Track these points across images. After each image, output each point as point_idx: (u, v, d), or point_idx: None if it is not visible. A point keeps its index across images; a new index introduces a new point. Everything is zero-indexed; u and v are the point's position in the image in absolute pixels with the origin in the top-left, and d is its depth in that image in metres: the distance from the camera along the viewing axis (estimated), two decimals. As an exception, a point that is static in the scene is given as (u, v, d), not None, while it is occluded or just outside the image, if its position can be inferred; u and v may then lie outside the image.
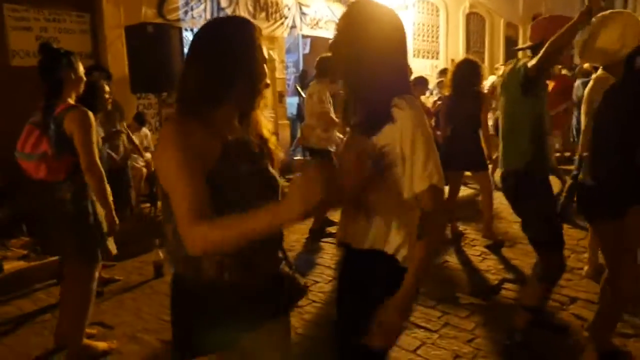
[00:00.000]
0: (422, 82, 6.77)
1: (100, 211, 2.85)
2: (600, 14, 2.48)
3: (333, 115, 4.90)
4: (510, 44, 15.49)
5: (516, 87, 2.70)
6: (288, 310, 1.60)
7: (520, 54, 7.11)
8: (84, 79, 2.89)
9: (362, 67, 1.46)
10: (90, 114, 2.71)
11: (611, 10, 2.51)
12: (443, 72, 9.47)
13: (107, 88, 4.04)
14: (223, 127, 1.37)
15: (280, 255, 1.53)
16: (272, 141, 1.55)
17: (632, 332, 3.00)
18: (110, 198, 2.82)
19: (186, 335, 1.43)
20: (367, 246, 1.51)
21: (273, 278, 1.48)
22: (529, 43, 2.86)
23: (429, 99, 8.09)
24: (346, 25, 1.51)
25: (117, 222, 2.87)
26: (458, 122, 4.65)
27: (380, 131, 1.44)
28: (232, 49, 1.36)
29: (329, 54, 5.16)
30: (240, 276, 1.37)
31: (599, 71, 2.51)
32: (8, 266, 4.18)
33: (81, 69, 2.85)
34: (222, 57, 1.35)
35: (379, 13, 1.48)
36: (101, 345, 2.99)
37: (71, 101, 2.76)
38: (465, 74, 4.54)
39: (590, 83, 2.48)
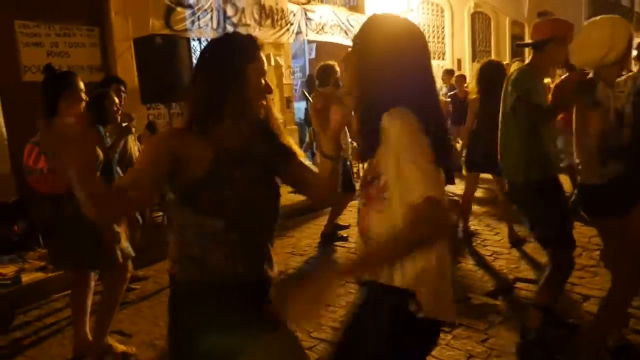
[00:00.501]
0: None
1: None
2: (590, 20, 2.58)
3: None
4: (516, 41, 15.47)
5: (508, 104, 2.79)
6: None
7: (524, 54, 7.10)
8: (84, 97, 2.98)
9: (363, 84, 1.44)
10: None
11: (601, 16, 2.57)
12: (449, 72, 9.49)
13: (116, 100, 4.09)
14: (222, 138, 1.49)
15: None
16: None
17: (645, 328, 3.00)
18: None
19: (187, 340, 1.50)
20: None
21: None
22: (530, 40, 2.89)
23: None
24: (357, 39, 1.49)
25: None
26: (482, 123, 4.68)
27: (375, 153, 1.40)
28: (224, 67, 1.48)
29: (330, 62, 5.27)
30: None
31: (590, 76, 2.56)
32: (26, 278, 4.27)
33: (81, 88, 2.95)
34: (214, 76, 1.47)
35: (391, 27, 1.45)
36: (121, 347, 3.10)
37: (70, 120, 2.84)
38: (491, 75, 4.57)
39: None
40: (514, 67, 7.01)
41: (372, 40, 1.43)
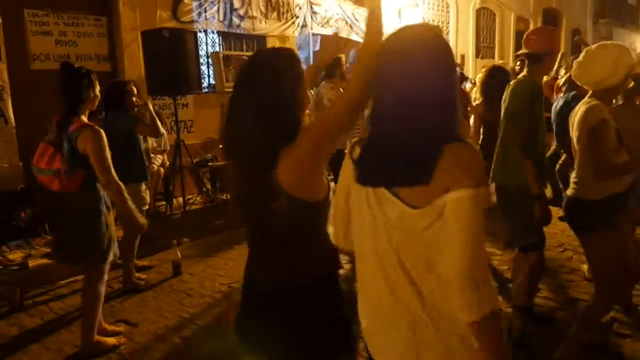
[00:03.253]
0: None
1: (111, 221, 3.09)
2: (599, 43, 2.68)
3: None
4: (521, 38, 15.45)
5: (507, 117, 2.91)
6: None
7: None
8: (99, 96, 3.09)
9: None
10: (102, 132, 2.91)
11: (612, 42, 2.70)
12: None
13: (134, 89, 4.25)
14: None
15: None
16: None
17: (629, 332, 3.14)
18: (132, 205, 3.03)
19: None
20: None
21: None
22: (525, 50, 2.98)
23: None
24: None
25: (144, 222, 3.17)
26: (486, 130, 4.75)
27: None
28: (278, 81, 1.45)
29: (338, 55, 5.35)
30: None
31: (587, 97, 2.66)
32: (33, 263, 4.40)
33: (98, 87, 3.05)
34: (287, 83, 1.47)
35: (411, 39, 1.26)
36: (110, 340, 3.21)
37: (84, 119, 2.95)
38: (495, 82, 4.61)
39: (583, 109, 2.61)
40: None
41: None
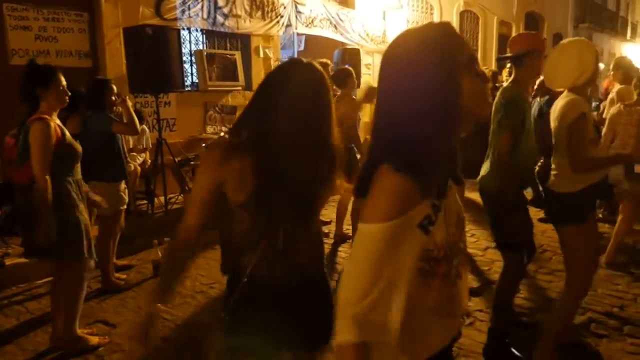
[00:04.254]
0: None
1: (84, 215, 3.04)
2: (559, 44, 2.71)
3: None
4: (504, 41, 15.64)
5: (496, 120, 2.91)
6: None
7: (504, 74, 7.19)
8: (67, 92, 3.03)
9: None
10: (52, 125, 2.87)
11: (569, 40, 2.74)
12: None
13: (114, 88, 4.20)
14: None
15: None
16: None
17: (606, 332, 3.19)
18: (47, 211, 2.85)
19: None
20: None
21: None
22: (509, 54, 2.98)
23: None
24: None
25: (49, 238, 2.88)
26: (473, 132, 4.75)
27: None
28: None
29: (348, 68, 5.40)
30: None
31: (565, 92, 2.70)
32: (9, 262, 4.31)
33: (63, 83, 2.99)
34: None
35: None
36: (94, 339, 3.17)
37: (47, 115, 2.91)
38: None
39: (562, 103, 2.64)
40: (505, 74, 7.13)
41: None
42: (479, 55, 14.55)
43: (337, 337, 1.09)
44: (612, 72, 6.03)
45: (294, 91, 1.52)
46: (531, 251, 3.15)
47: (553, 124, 2.71)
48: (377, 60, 9.69)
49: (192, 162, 6.33)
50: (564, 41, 2.74)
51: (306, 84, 1.54)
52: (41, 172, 2.81)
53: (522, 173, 2.87)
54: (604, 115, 5.69)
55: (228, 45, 8.22)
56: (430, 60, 1.10)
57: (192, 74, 7.75)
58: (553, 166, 2.77)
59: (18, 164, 2.91)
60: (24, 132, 2.86)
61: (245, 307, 1.59)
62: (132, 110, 4.34)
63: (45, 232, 2.83)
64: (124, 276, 4.24)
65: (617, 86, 5.72)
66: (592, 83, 2.77)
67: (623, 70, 5.60)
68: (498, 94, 3.01)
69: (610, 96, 5.72)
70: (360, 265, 1.07)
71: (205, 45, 7.95)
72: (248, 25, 8.08)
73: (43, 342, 3.21)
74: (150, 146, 6.30)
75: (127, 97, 4.64)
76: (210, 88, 7.54)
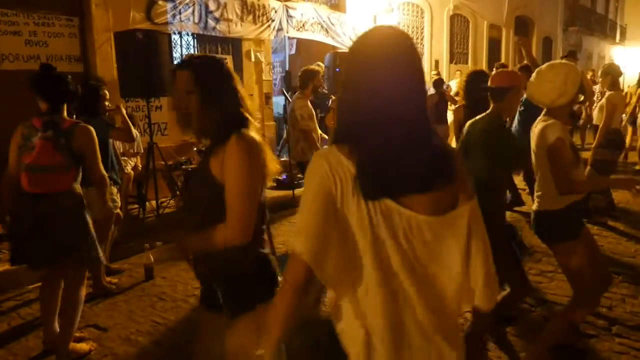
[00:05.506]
0: None
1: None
2: (547, 63, 2.76)
3: (315, 133, 5.10)
4: (494, 45, 15.77)
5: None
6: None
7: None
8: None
9: None
10: (93, 130, 2.96)
11: (559, 61, 2.81)
12: None
13: (107, 93, 4.22)
14: None
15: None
16: None
17: (595, 332, 3.22)
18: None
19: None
20: None
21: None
22: (490, 85, 2.95)
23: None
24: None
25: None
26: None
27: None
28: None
29: (314, 67, 5.38)
30: None
31: (542, 115, 2.75)
32: (0, 268, 4.29)
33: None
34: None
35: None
36: (83, 346, 3.15)
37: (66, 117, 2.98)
38: (478, 87, 4.54)
39: (540, 127, 2.70)
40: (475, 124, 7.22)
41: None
42: (470, 59, 14.66)
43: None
44: (600, 79, 6.13)
45: None
46: (522, 251, 3.13)
47: (533, 145, 2.75)
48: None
49: (183, 166, 6.33)
50: (555, 61, 2.81)
51: None
52: (105, 175, 3.05)
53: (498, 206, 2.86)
54: (594, 122, 5.78)
55: (219, 49, 8.23)
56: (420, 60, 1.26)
57: (183, 78, 7.74)
58: (536, 190, 2.81)
59: (66, 170, 2.87)
60: (65, 137, 2.84)
61: None
62: (127, 117, 4.36)
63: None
64: (116, 280, 4.23)
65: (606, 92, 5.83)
66: (569, 108, 2.83)
67: (611, 76, 5.70)
68: (470, 123, 2.95)
69: (600, 103, 5.82)
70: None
71: (196, 49, 7.96)
72: (239, 29, 8.10)
73: (34, 347, 3.19)
74: (142, 150, 6.29)
75: (122, 103, 4.65)
76: (201, 92, 7.53)
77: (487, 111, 2.92)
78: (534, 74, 2.78)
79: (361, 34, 1.24)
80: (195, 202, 1.83)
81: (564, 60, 2.84)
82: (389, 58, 1.16)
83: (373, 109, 1.16)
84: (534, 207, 2.81)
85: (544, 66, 2.75)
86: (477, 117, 2.95)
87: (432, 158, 1.16)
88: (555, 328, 2.82)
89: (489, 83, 2.96)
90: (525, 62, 6.12)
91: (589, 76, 10.93)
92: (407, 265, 1.19)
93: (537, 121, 2.76)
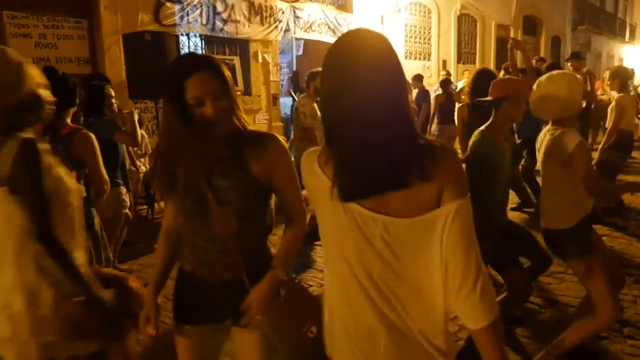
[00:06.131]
0: (418, 78, 9.21)
1: (98, 221, 3.08)
2: (546, 75, 2.72)
3: (318, 132, 5.12)
4: (502, 44, 15.70)
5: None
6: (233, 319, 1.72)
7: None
8: (78, 100, 3.10)
9: None
10: (93, 135, 2.94)
11: (557, 72, 2.76)
12: (418, 77, 9.55)
13: (112, 92, 4.23)
14: None
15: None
16: None
17: (605, 334, 3.19)
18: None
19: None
20: None
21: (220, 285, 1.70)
22: (489, 97, 2.88)
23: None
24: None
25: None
26: (470, 134, 4.70)
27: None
28: None
29: (317, 69, 5.39)
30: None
31: (549, 126, 2.72)
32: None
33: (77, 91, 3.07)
34: None
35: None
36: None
37: (70, 123, 2.98)
38: (484, 86, 4.49)
39: (550, 138, 2.68)
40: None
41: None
42: (478, 59, 14.60)
43: (492, 312, 1.16)
44: (609, 82, 6.09)
45: None
46: (544, 262, 3.09)
47: (541, 158, 2.72)
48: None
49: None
50: (553, 72, 2.75)
51: None
52: (107, 182, 2.96)
53: (492, 222, 2.79)
54: (606, 125, 5.76)
55: (227, 50, 8.26)
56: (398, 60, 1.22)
57: (191, 80, 7.77)
58: (543, 206, 2.77)
59: None
60: (64, 143, 2.84)
61: None
62: (137, 122, 4.36)
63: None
64: (125, 282, 4.25)
65: (614, 94, 5.81)
66: (575, 115, 2.80)
67: (619, 79, 5.66)
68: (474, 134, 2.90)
69: (610, 105, 5.78)
70: (475, 237, 1.17)
71: (204, 50, 7.99)
72: (247, 30, 8.12)
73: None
74: (150, 151, 6.32)
75: (134, 109, 4.66)
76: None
77: (487, 122, 2.86)
78: (534, 87, 2.74)
79: (338, 37, 1.24)
80: (227, 206, 1.63)
81: (568, 66, 2.81)
82: (355, 57, 1.14)
83: (339, 109, 1.16)
84: (544, 224, 2.77)
85: (543, 79, 2.70)
86: (479, 129, 2.87)
87: (400, 157, 1.12)
88: (574, 337, 2.77)
89: (489, 94, 2.88)
90: (523, 66, 6.13)
91: (600, 84, 10.78)
92: (379, 264, 1.18)
93: (543, 132, 2.73)
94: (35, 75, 1.81)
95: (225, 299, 1.68)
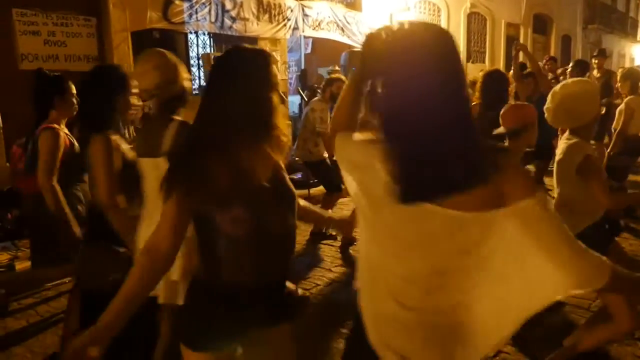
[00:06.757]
0: None
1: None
2: (560, 84, 2.69)
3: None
4: (511, 43, 15.59)
5: None
6: (286, 319, 1.71)
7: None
8: (75, 101, 3.02)
9: None
10: (61, 134, 2.88)
11: (571, 80, 2.74)
12: None
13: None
14: None
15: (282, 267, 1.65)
16: None
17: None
18: (69, 215, 2.86)
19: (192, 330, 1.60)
20: None
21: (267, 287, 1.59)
22: (503, 129, 2.87)
23: None
24: None
25: (78, 232, 2.88)
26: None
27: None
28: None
29: (335, 75, 5.42)
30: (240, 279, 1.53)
31: (567, 134, 2.68)
32: (19, 266, 4.34)
33: (72, 92, 3.01)
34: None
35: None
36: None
37: (56, 123, 2.93)
38: (494, 86, 4.46)
39: (563, 148, 2.65)
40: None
41: None
42: (487, 57, 14.51)
43: (607, 267, 1.18)
44: (619, 84, 6.00)
45: None
46: None
47: (556, 166, 2.70)
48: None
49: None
50: (567, 81, 2.74)
51: None
52: (46, 182, 2.79)
53: None
54: (613, 127, 5.67)
55: (235, 48, 8.26)
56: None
57: (199, 78, 7.79)
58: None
59: (27, 173, 2.92)
60: (33, 141, 2.89)
61: None
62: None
63: (68, 241, 2.81)
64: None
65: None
66: (595, 121, 2.76)
67: (630, 81, 5.58)
68: None
69: (619, 107, 5.69)
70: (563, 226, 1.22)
71: (212, 48, 7.99)
72: (255, 28, 8.12)
73: (52, 345, 3.22)
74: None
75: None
76: (217, 91, 7.57)
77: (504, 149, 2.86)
78: (549, 97, 2.69)
79: (396, 28, 1.20)
80: (285, 231, 1.60)
81: (576, 79, 2.76)
82: (422, 54, 1.15)
83: (402, 106, 1.13)
84: None
85: (557, 87, 2.67)
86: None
87: (468, 159, 1.11)
88: (589, 341, 2.72)
89: (501, 122, 2.87)
90: (529, 69, 6.07)
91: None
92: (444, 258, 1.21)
93: (562, 140, 2.71)
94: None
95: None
